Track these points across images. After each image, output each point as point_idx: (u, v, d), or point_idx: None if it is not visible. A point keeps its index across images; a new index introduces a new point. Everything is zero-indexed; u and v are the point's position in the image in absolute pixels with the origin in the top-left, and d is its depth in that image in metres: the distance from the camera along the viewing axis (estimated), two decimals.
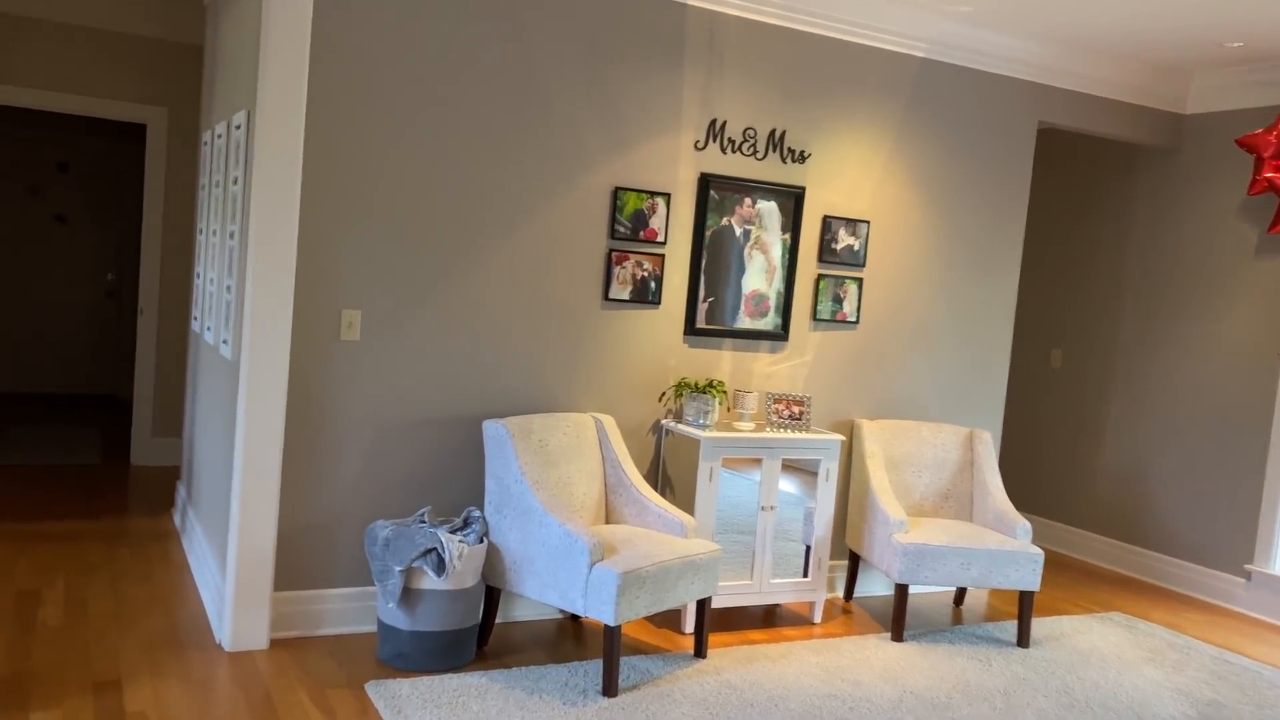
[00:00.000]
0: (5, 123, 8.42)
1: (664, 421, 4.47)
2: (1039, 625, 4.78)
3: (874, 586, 5.04)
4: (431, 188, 3.95)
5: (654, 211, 4.36)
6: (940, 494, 4.87)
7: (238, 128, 3.99)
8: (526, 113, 4.07)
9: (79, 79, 6.10)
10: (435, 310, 3.99)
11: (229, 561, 3.66)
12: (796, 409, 4.53)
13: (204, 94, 5.26)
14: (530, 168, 4.10)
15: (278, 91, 3.53)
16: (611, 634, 3.51)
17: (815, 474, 4.48)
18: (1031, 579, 4.37)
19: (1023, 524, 4.49)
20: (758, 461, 4.34)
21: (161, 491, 5.87)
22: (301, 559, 3.84)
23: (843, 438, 4.64)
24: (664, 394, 4.49)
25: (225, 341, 4.05)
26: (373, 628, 3.95)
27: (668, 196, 4.38)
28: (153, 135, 6.35)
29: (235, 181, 4.02)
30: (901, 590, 4.37)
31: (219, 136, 4.50)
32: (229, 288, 4.06)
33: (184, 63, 6.32)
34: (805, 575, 4.52)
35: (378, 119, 3.82)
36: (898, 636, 4.39)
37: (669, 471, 4.43)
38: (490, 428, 3.84)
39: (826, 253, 4.78)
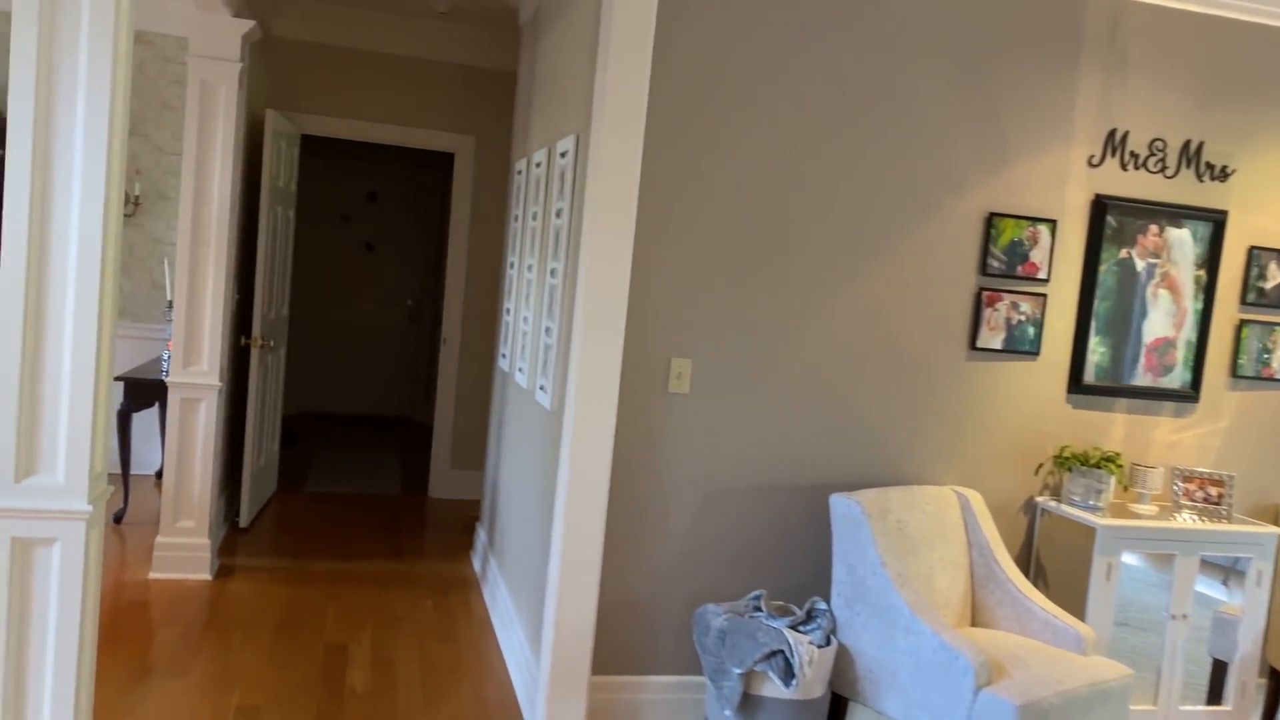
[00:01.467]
0: (323, 154, 8.81)
1: (1039, 499, 3.68)
2: None
3: None
4: (771, 220, 3.40)
5: (1035, 242, 3.59)
6: None
7: (563, 155, 3.63)
8: (883, 128, 3.44)
9: (392, 109, 6.10)
10: (773, 359, 3.43)
11: (544, 643, 3.26)
12: (1214, 491, 3.61)
13: (517, 121, 5.02)
14: (887, 193, 3.47)
15: (616, 115, 3.09)
16: None
17: (1224, 566, 3.54)
18: None
19: None
20: (1162, 555, 3.46)
21: (459, 529, 5.70)
22: (620, 640, 3.39)
23: (1277, 530, 3.65)
24: (1041, 466, 3.69)
25: (542, 388, 3.69)
26: None
27: (1053, 224, 3.60)
28: (460, 164, 6.26)
29: (558, 214, 3.65)
30: None
31: (536, 165, 4.18)
32: (548, 330, 3.69)
33: (493, 90, 6.19)
34: (1220, 702, 3.57)
35: (712, 143, 3.32)
36: None
37: (1044, 562, 3.64)
38: (841, 504, 3.23)
39: (1252, 292, 3.81)
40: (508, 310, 4.74)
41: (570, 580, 3.19)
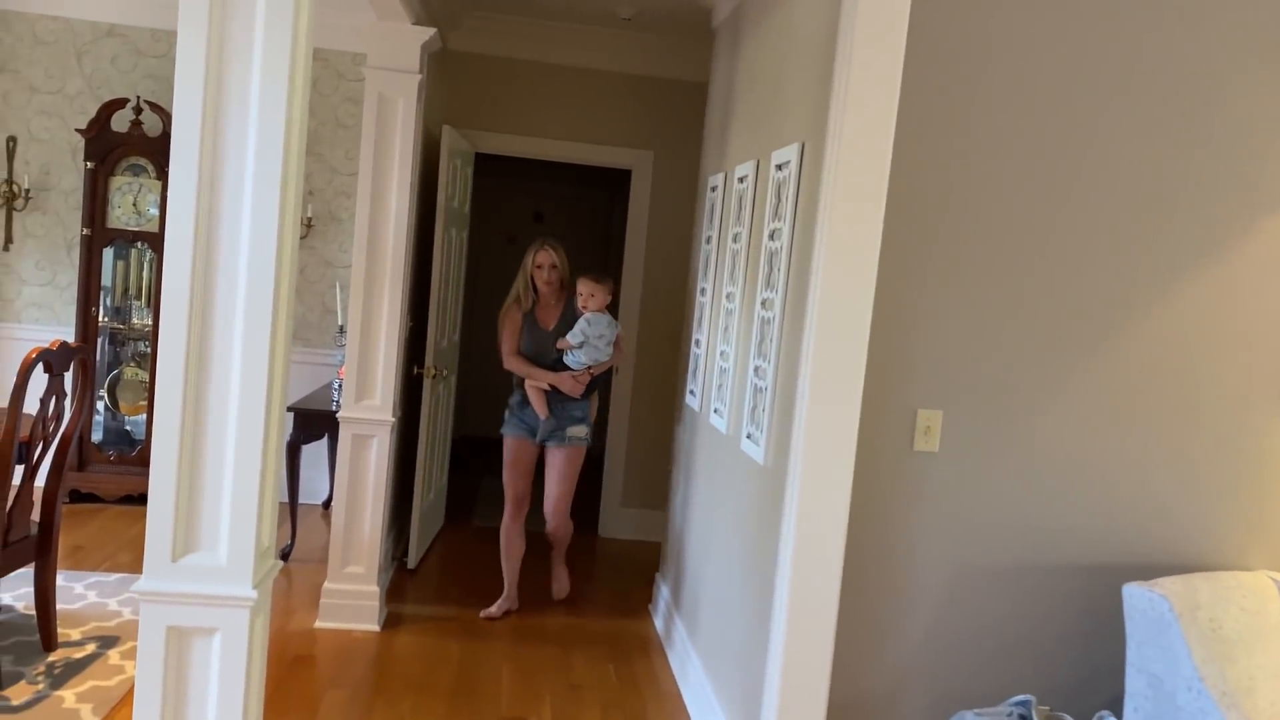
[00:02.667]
0: (489, 173, 8.60)
1: None
2: None
3: None
4: (1042, 243, 2.81)
5: None
6: None
7: (779, 168, 3.13)
8: (1184, 124, 2.80)
9: (566, 124, 5.75)
10: (1043, 412, 2.83)
11: None
12: None
13: (709, 133, 4.56)
14: (1181, 212, 2.82)
15: (860, 118, 2.57)
16: None
17: None
18: None
19: None
20: None
21: (636, 576, 5.25)
22: None
23: None
24: None
25: (752, 439, 3.19)
26: None
27: None
28: (637, 181, 5.85)
29: (773, 235, 3.15)
30: None
31: (739, 180, 3.70)
32: (758, 370, 3.19)
33: (675, 101, 5.76)
34: None
35: (970, 149, 2.76)
36: None
37: None
38: (1141, 598, 2.59)
39: None
40: (698, 342, 4.26)
41: (795, 677, 2.66)
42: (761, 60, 3.62)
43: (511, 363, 4.44)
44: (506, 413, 4.55)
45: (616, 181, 7.92)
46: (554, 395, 4.38)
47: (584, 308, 4.32)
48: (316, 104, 5.87)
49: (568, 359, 4.35)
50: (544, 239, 4.44)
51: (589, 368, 4.35)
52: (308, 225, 5.91)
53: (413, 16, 3.91)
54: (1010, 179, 2.80)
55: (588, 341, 4.30)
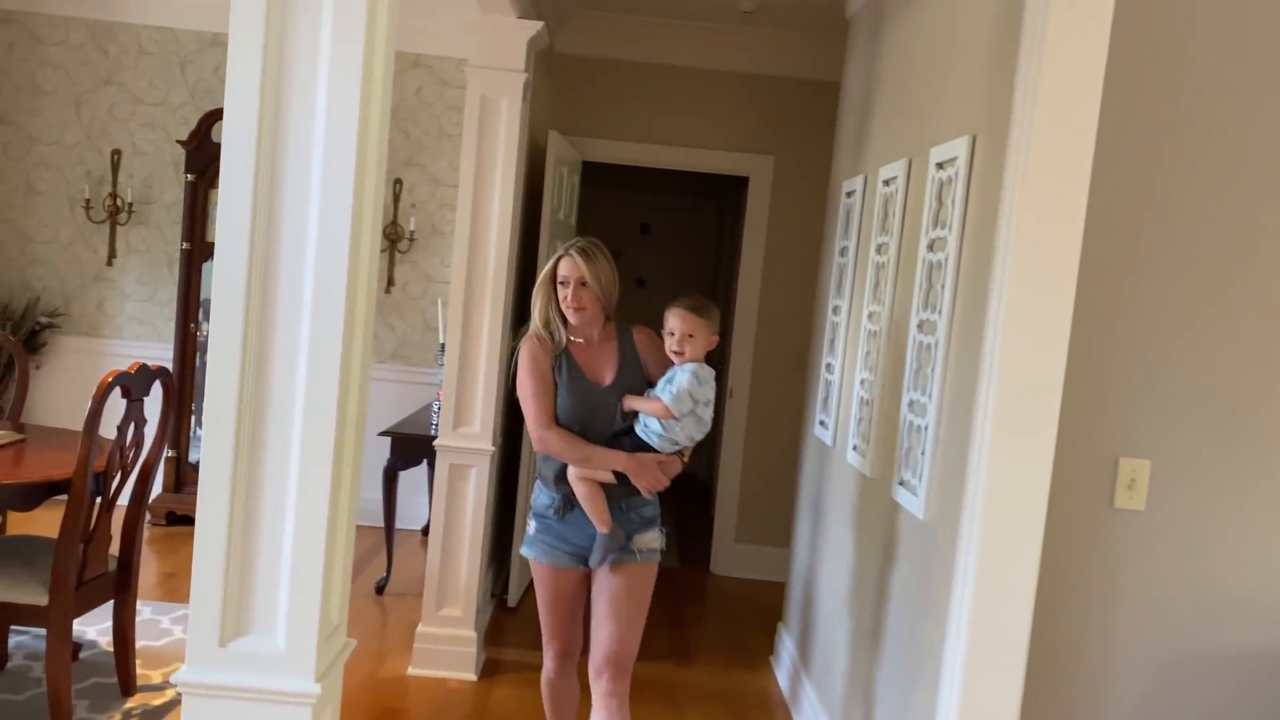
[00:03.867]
0: (595, 183, 8.29)
1: None
2: None
3: None
4: (1274, 261, 2.28)
5: None
6: None
7: (941, 166, 2.66)
8: None
9: (679, 129, 5.36)
10: (1277, 465, 2.29)
11: None
12: None
13: (842, 133, 4.11)
14: None
15: (1055, 106, 2.09)
16: None
17: None
18: None
19: None
20: None
21: (752, 621, 4.80)
22: None
23: None
24: None
25: (906, 486, 2.72)
26: None
27: None
28: (755, 188, 5.42)
29: (931, 246, 2.68)
30: None
31: (885, 183, 3.24)
32: (912, 405, 2.72)
33: (798, 102, 5.32)
34: None
35: (1179, 146, 2.25)
36: None
37: None
38: None
39: None
40: (829, 367, 3.80)
41: None
42: (914, 46, 3.16)
43: (550, 440, 2.64)
44: (532, 523, 2.78)
45: (730, 190, 7.51)
46: (615, 489, 2.67)
47: (678, 354, 2.65)
48: (419, 112, 5.62)
49: (645, 432, 2.65)
50: (576, 240, 2.69)
51: (681, 450, 2.70)
52: (410, 239, 5.66)
53: (519, 10, 3.58)
54: (1233, 177, 2.28)
55: (695, 409, 2.62)
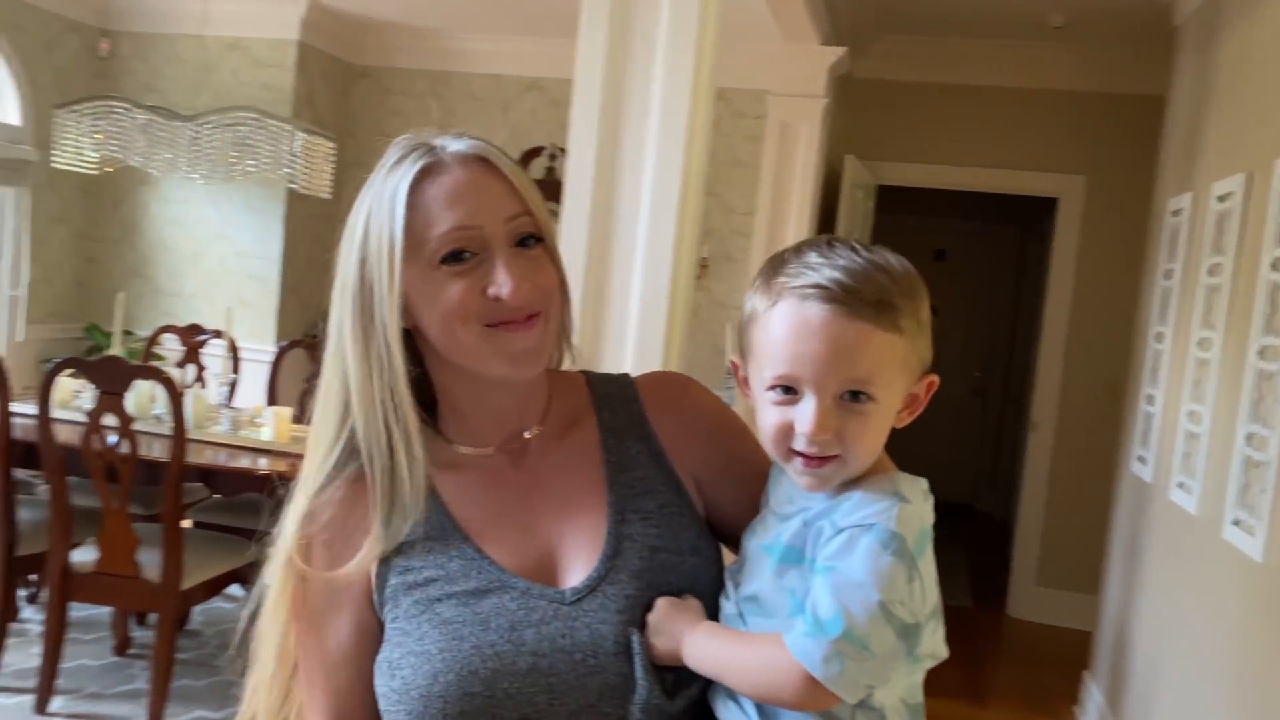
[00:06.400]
0: (886, 208, 8.18)
1: None
2: None
3: None
4: None
5: None
6: None
7: None
8: None
9: (979, 151, 5.19)
10: None
11: None
12: None
13: (1166, 148, 3.82)
14: None
15: None
16: None
17: None
18: None
19: None
20: None
21: (1055, 670, 4.50)
22: None
23: None
24: None
25: (1240, 525, 2.47)
26: None
27: None
28: (1065, 210, 5.14)
29: (1275, 265, 2.44)
30: None
31: (1218, 199, 2.98)
32: (1251, 437, 2.48)
33: (1113, 118, 4.99)
34: None
35: None
36: None
37: None
38: None
39: None
40: (1150, 398, 3.53)
41: None
42: (1257, 53, 2.90)
43: None
44: None
45: (1033, 212, 7.15)
46: None
47: (819, 458, 0.88)
48: (715, 143, 5.81)
49: None
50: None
51: None
52: (703, 266, 5.85)
53: (821, 37, 3.65)
54: None
55: (901, 640, 0.85)
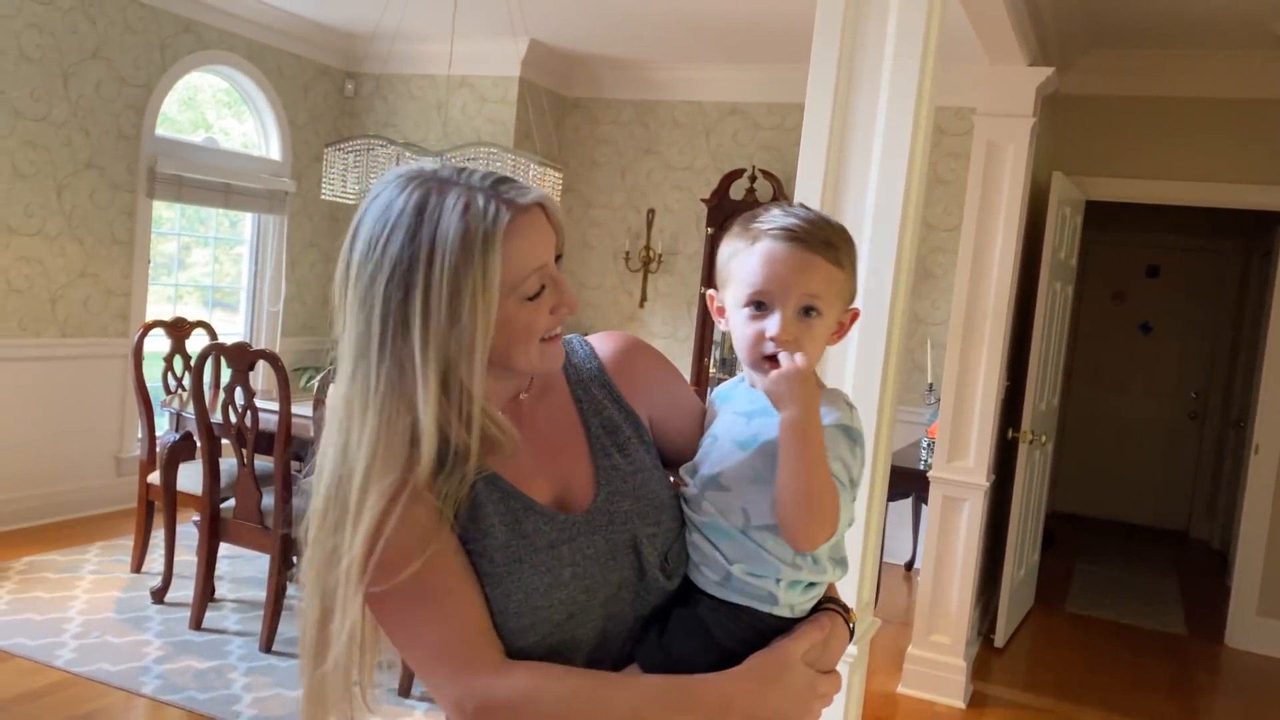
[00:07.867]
0: (1095, 223, 7.93)
1: None
2: None
3: None
4: None
5: None
6: None
7: None
8: None
9: (1193, 165, 5.02)
10: None
11: None
12: None
13: None
14: None
15: None
16: None
17: None
18: None
19: None
20: None
21: (1274, 700, 4.31)
22: None
23: None
24: None
25: None
26: None
27: None
28: None
29: None
30: None
31: None
32: None
33: None
34: None
35: None
36: None
37: None
38: None
39: None
40: None
41: None
42: None
43: (518, 705, 1.08)
44: None
45: (1257, 227, 6.79)
46: None
47: (769, 358, 1.18)
48: None
49: (732, 586, 1.16)
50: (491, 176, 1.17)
51: (843, 610, 1.25)
52: None
53: (1028, 58, 3.69)
54: None
55: (848, 489, 1.23)
